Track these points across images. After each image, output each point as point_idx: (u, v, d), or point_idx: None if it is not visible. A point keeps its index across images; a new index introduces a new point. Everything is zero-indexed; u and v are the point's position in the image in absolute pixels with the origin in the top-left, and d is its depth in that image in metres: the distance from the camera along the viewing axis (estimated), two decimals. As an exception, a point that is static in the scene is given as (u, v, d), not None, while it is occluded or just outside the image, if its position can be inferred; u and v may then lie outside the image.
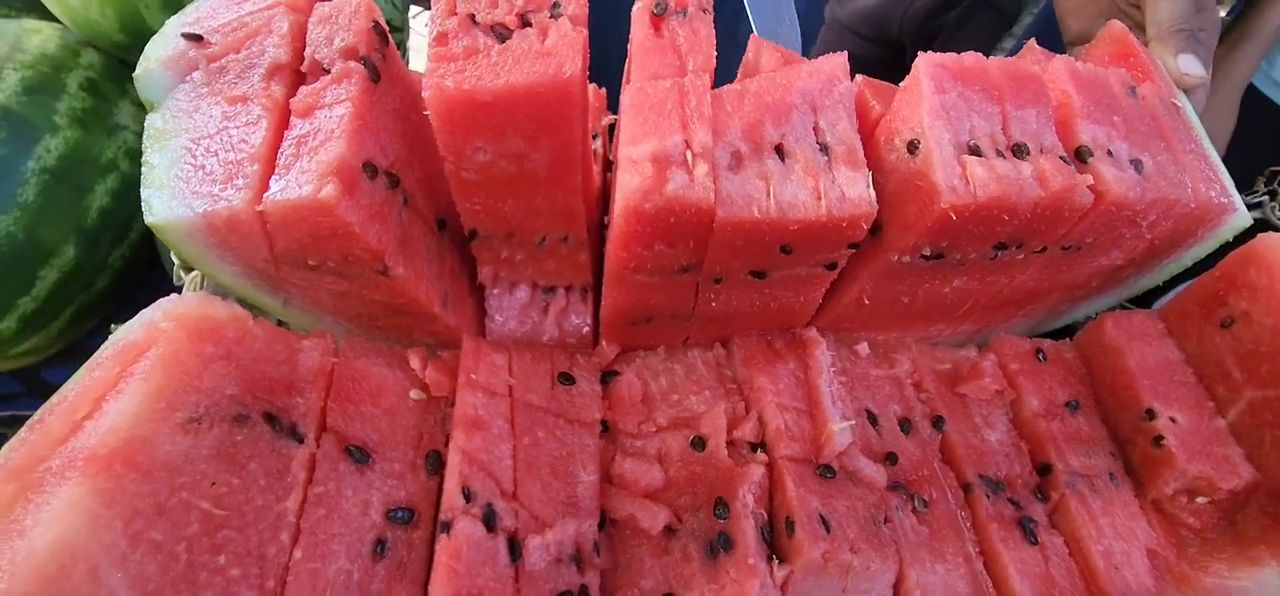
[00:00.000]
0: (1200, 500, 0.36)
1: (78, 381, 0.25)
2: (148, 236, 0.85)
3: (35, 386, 1.00)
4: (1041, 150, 0.32)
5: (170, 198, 0.27)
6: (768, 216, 0.27)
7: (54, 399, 0.25)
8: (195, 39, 0.30)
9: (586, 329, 0.38)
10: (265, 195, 0.26)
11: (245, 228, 0.27)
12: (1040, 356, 0.42)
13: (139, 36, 0.84)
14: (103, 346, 0.27)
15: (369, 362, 0.31)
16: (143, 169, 0.29)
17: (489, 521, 0.28)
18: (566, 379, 0.35)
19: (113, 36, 0.84)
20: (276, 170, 0.26)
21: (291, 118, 0.27)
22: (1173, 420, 0.37)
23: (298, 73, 0.29)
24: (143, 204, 0.28)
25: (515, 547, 0.28)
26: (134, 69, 0.78)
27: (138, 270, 0.89)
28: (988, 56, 0.34)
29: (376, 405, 0.30)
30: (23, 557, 0.19)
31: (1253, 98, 0.78)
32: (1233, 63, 0.86)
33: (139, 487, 0.22)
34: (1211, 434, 0.37)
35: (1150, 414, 0.38)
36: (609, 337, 0.36)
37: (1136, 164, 0.35)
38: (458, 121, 0.27)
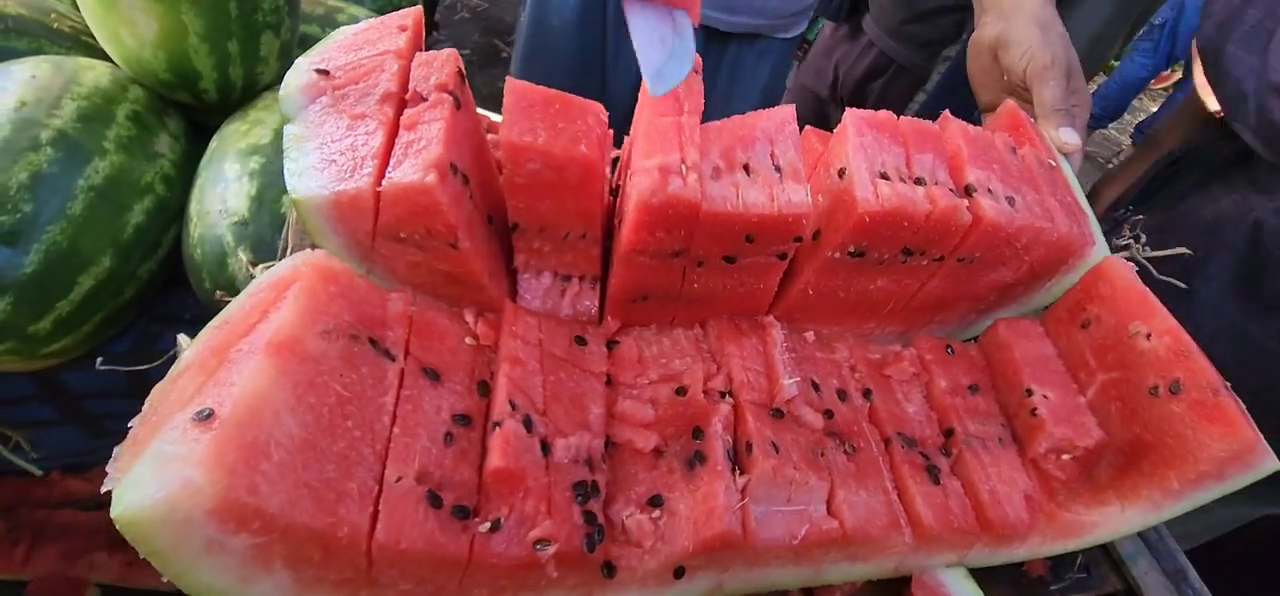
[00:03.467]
0: (1065, 457, 0.48)
1: (243, 303, 0.35)
2: (171, 255, 0.96)
3: (52, 390, 1.08)
4: (935, 182, 0.44)
5: (310, 180, 0.38)
6: (737, 211, 0.39)
7: (227, 312, 0.35)
8: (324, 73, 0.41)
9: (593, 310, 0.50)
10: (384, 180, 0.37)
11: (363, 204, 0.38)
12: (949, 350, 0.54)
13: (183, 76, 0.97)
14: (256, 281, 0.37)
15: (436, 314, 0.42)
16: (285, 160, 0.40)
17: (527, 425, 0.38)
18: (580, 341, 0.46)
19: (160, 75, 0.97)
20: (390, 165, 0.38)
21: (401, 131, 0.39)
22: (1045, 396, 0.49)
23: (402, 100, 0.41)
24: (288, 183, 0.39)
25: (546, 446, 0.38)
26: (175, 104, 0.91)
27: (160, 285, 1.00)
28: (903, 112, 0.47)
29: (442, 343, 0.41)
30: (235, 397, 0.30)
31: None
32: None
33: (298, 367, 0.32)
34: (1073, 407, 0.49)
35: (1029, 392, 0.50)
36: (612, 314, 0.48)
37: (1011, 200, 0.48)
38: (521, 149, 0.39)
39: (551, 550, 0.35)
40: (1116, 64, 3.23)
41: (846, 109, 0.45)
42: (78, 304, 0.87)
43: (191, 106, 1.03)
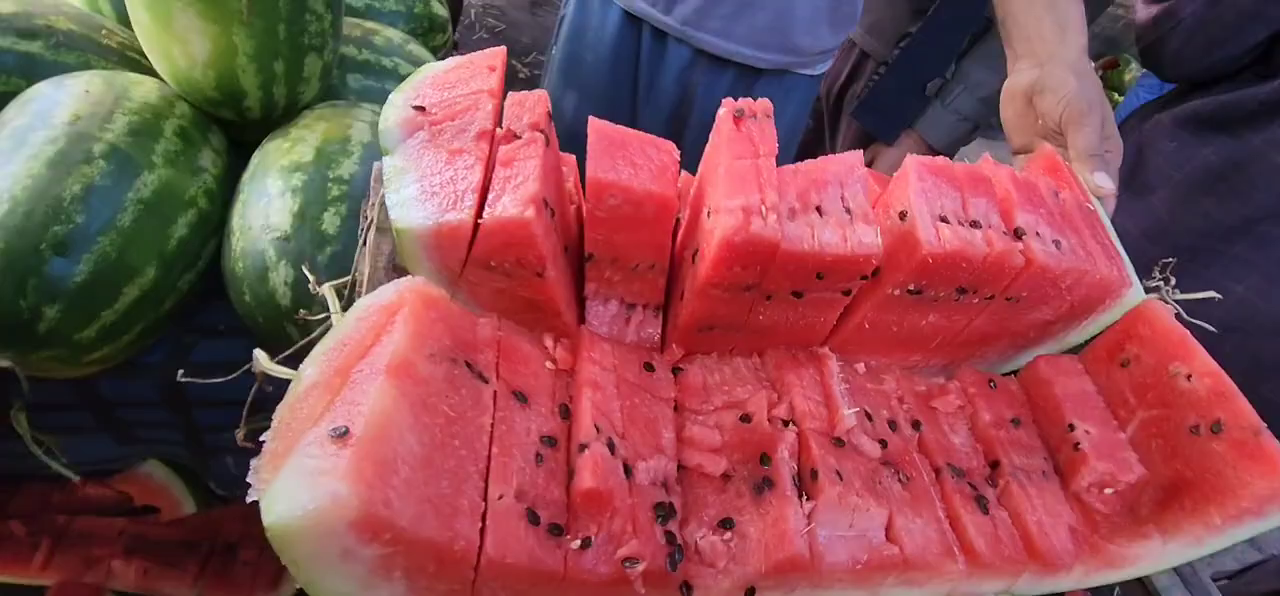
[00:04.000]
0: (1107, 491, 0.50)
1: (354, 325, 0.38)
2: (209, 268, 0.98)
3: (88, 397, 1.10)
4: (989, 225, 0.47)
5: (412, 211, 0.41)
6: (812, 250, 0.42)
7: (341, 334, 0.38)
8: (420, 109, 0.44)
9: (656, 337, 0.52)
10: (485, 213, 0.40)
11: (460, 236, 0.41)
12: (992, 384, 0.57)
13: (230, 94, 1.01)
14: (359, 305, 0.40)
15: (519, 339, 0.44)
16: (387, 193, 0.42)
17: (611, 447, 0.41)
18: (649, 367, 0.49)
19: (207, 93, 1.01)
20: (490, 199, 0.40)
21: (497, 166, 0.42)
22: (1088, 431, 0.52)
23: (495, 136, 0.43)
24: (390, 213, 0.42)
25: (628, 469, 0.41)
26: (217, 120, 0.94)
27: (197, 297, 1.03)
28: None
29: (526, 367, 0.43)
30: (365, 416, 0.32)
31: None
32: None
33: (413, 389, 0.35)
34: (1115, 442, 0.52)
35: (1071, 427, 0.52)
36: (677, 341, 0.50)
37: (1057, 243, 0.51)
38: (604, 186, 0.42)
39: (640, 567, 0.37)
40: (1121, 99, 3.32)
41: (908, 156, 0.48)
42: (121, 313, 0.89)
43: (233, 123, 1.07)
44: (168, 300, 0.95)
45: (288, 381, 0.36)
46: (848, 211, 0.44)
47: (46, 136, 0.84)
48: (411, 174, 0.42)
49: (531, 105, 0.44)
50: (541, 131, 0.43)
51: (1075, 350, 0.62)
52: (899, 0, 1.36)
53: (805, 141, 1.52)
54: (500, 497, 0.36)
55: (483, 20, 2.50)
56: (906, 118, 1.38)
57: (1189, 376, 0.49)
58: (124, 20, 1.12)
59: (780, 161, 0.45)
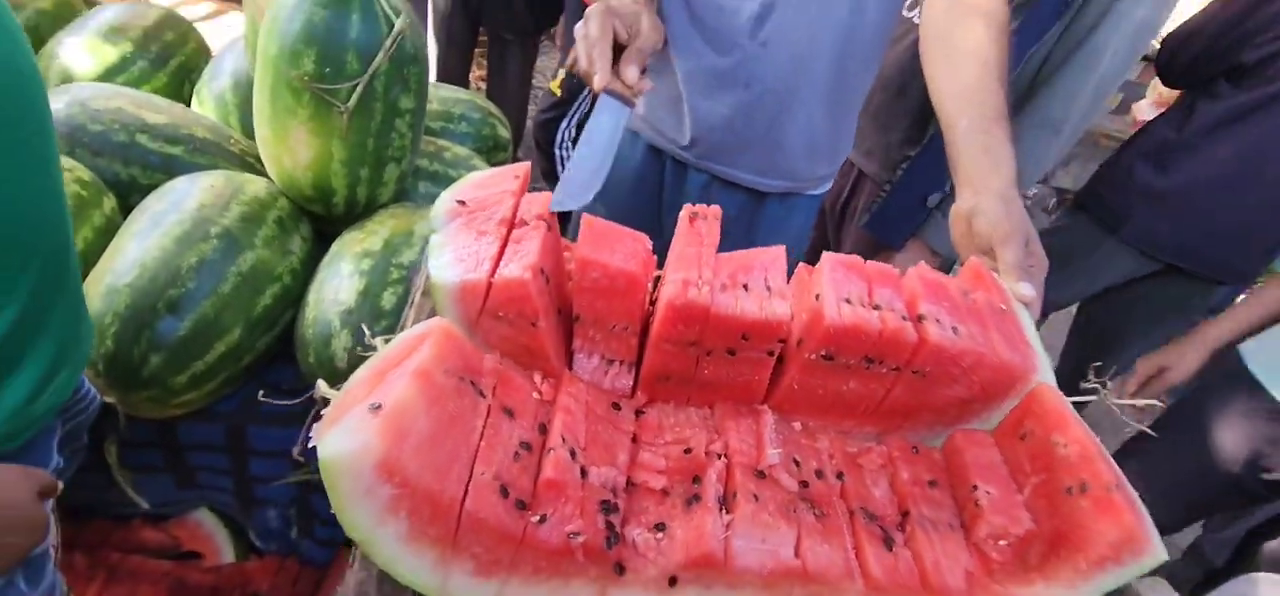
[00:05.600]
0: (1001, 542, 0.60)
1: (395, 345, 0.55)
2: (283, 335, 1.20)
3: (165, 438, 1.31)
4: (889, 308, 0.61)
5: (446, 272, 0.58)
6: (735, 314, 0.57)
7: (385, 350, 0.55)
8: (462, 203, 0.63)
9: (628, 387, 0.67)
10: (495, 274, 0.57)
11: (478, 291, 0.58)
12: (915, 450, 0.68)
13: (322, 192, 1.26)
14: (401, 334, 0.57)
15: (515, 373, 0.60)
16: (430, 260, 0.61)
17: (572, 455, 0.55)
18: (616, 407, 0.63)
19: (304, 191, 1.27)
20: (501, 263, 0.58)
21: (510, 243, 0.59)
22: (988, 492, 0.62)
23: (512, 223, 0.62)
24: (431, 272, 0.59)
25: (583, 472, 0.55)
26: (307, 213, 1.21)
27: (269, 359, 1.25)
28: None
29: (517, 394, 0.59)
30: (392, 399, 0.48)
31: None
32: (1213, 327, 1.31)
33: (429, 389, 0.51)
34: (1011, 502, 0.62)
35: (975, 487, 0.63)
36: (642, 389, 0.65)
37: (955, 328, 0.64)
38: (590, 263, 0.59)
39: (581, 539, 0.51)
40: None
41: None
42: (209, 364, 1.11)
43: (321, 216, 1.32)
44: (246, 357, 1.17)
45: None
46: (768, 289, 0.59)
47: (176, 219, 1.09)
48: (449, 247, 0.60)
49: (540, 203, 0.63)
50: (544, 221, 0.61)
51: (997, 431, 0.73)
52: (892, 131, 1.57)
53: (812, 249, 1.70)
54: (482, 474, 0.51)
55: (539, 140, 2.85)
56: (911, 228, 1.56)
57: (1065, 445, 0.60)
58: (245, 131, 1.42)
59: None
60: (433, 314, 0.64)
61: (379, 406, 0.47)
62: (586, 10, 0.83)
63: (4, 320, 0.60)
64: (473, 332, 0.61)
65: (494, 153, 1.68)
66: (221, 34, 1.81)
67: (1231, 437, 1.38)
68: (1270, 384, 1.36)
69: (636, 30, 0.83)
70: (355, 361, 1.07)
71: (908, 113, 1.55)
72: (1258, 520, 1.59)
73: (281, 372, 1.22)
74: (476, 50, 2.74)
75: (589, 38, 0.80)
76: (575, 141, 2.22)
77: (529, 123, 2.97)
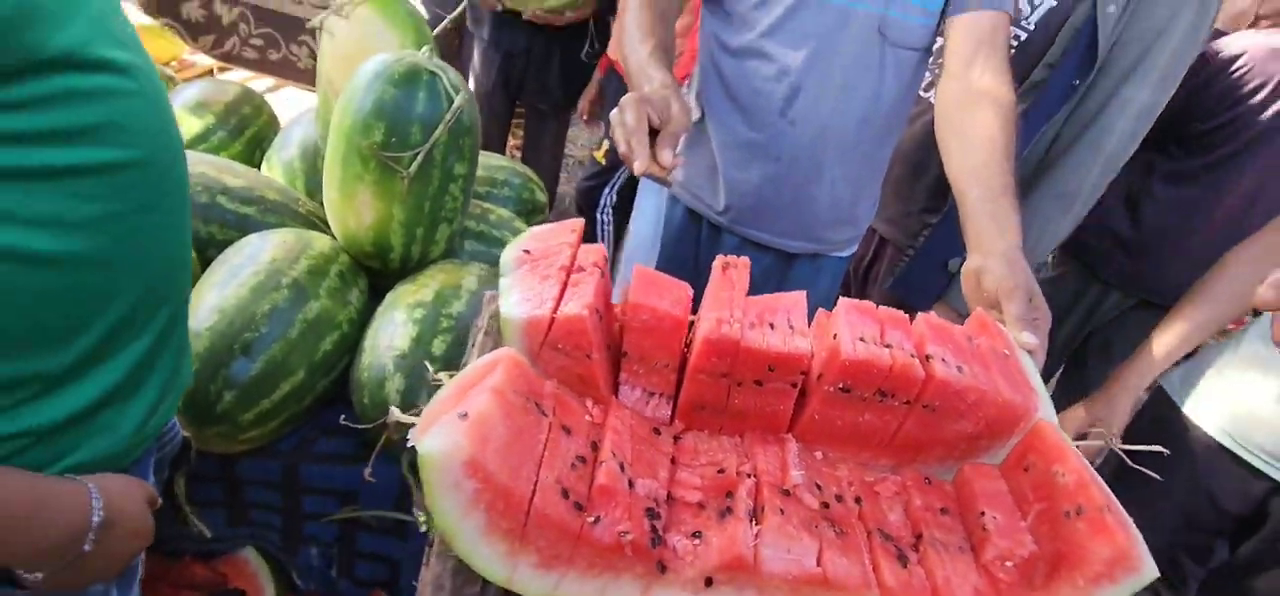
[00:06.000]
0: (1008, 564, 0.67)
1: (470, 370, 0.65)
2: (339, 378, 1.30)
3: (226, 472, 1.41)
4: (899, 347, 0.70)
5: (515, 309, 0.69)
6: (762, 348, 0.66)
7: (464, 373, 0.64)
8: (527, 252, 0.74)
9: (667, 416, 0.76)
10: (557, 311, 0.67)
11: (541, 325, 0.68)
12: (928, 481, 0.75)
13: (380, 249, 1.39)
14: (477, 360, 0.67)
15: (570, 399, 0.70)
16: (500, 300, 0.71)
17: (621, 467, 0.64)
18: (657, 432, 0.72)
19: (365, 247, 1.40)
20: (561, 303, 0.68)
21: (568, 285, 0.70)
22: (995, 518, 0.69)
23: (571, 269, 0.72)
24: (502, 309, 0.70)
25: (631, 483, 0.64)
26: (365, 267, 1.36)
27: (327, 400, 1.36)
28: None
29: (572, 416, 0.68)
30: (476, 409, 0.57)
31: None
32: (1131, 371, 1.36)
33: (503, 403, 0.60)
34: (1016, 527, 0.68)
35: (982, 514, 0.70)
36: (680, 418, 0.74)
37: (960, 367, 0.72)
38: (639, 307, 0.69)
39: (629, 538, 0.59)
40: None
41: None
42: (275, 403, 1.23)
43: (376, 270, 1.45)
44: (307, 398, 1.28)
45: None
46: (791, 327, 0.69)
47: (252, 271, 1.22)
48: (517, 289, 0.71)
49: (594, 253, 0.73)
50: (598, 268, 0.72)
51: (1005, 467, 0.80)
52: (912, 201, 1.68)
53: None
54: (546, 478, 0.59)
55: (581, 204, 3.03)
56: (935, 291, 1.65)
57: (1064, 474, 0.67)
58: (309, 193, 1.57)
59: None
60: (492, 332, 0.75)
61: (465, 414, 0.57)
62: (622, 99, 0.95)
63: (138, 349, 0.71)
64: (535, 362, 0.70)
65: (532, 214, 1.81)
66: (283, 106, 1.99)
67: (1179, 477, 1.44)
68: (1198, 416, 1.44)
69: (668, 115, 0.95)
70: (408, 402, 1.18)
71: (927, 186, 1.67)
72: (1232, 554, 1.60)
73: (335, 415, 1.33)
74: (512, 121, 2.95)
75: (626, 126, 0.91)
76: (615, 206, 2.39)
77: (562, 187, 3.16)
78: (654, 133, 0.93)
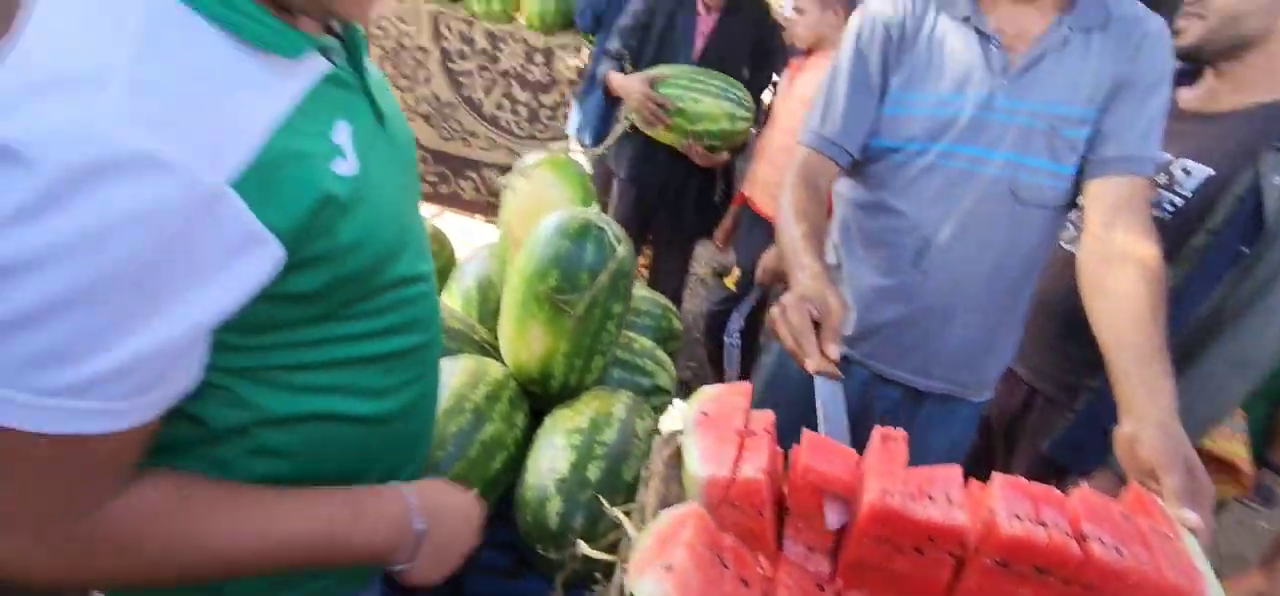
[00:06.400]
0: None
1: (664, 521, 0.77)
2: (502, 496, 1.47)
3: (395, 584, 1.57)
4: (1053, 525, 0.75)
5: (697, 468, 0.81)
6: (924, 519, 0.74)
7: (657, 523, 0.76)
8: (703, 413, 0.87)
9: (826, 572, 0.84)
10: (737, 471, 0.79)
11: (722, 484, 0.79)
12: (1089, 657, 0.78)
13: (544, 377, 1.57)
14: (667, 512, 0.79)
15: (744, 552, 0.80)
16: (685, 454, 0.84)
17: (796, 622, 0.73)
18: (820, 588, 0.80)
19: (531, 374, 1.58)
20: (739, 465, 0.80)
21: (744, 447, 0.81)
22: (1162, 704, 0.71)
23: (744, 432, 0.84)
24: (687, 464, 0.82)
25: (805, 637, 0.72)
26: (527, 391, 1.57)
27: (490, 516, 1.51)
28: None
29: (748, 569, 0.78)
30: (677, 561, 0.69)
31: None
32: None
33: (695, 556, 0.71)
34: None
35: (1149, 698, 0.72)
36: (841, 576, 0.82)
37: (1117, 549, 0.76)
38: (809, 470, 0.80)
39: (809, 690, 0.67)
40: None
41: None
42: None
43: (537, 395, 1.63)
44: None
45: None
46: (949, 500, 0.76)
47: (441, 396, 1.42)
48: (697, 447, 0.83)
49: (764, 418, 0.85)
50: (769, 432, 0.83)
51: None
52: (1060, 348, 1.67)
53: (973, 456, 1.78)
54: (735, 628, 0.69)
55: (709, 327, 3.20)
56: (1099, 458, 1.62)
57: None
58: (483, 322, 1.79)
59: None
60: (667, 478, 0.87)
61: (670, 566, 0.69)
62: (782, 299, 1.07)
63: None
64: (713, 514, 0.82)
65: (668, 341, 1.96)
66: (447, 228, 2.29)
67: None
68: None
69: (826, 309, 1.05)
70: (564, 524, 1.31)
71: (1083, 345, 1.68)
72: None
73: (497, 529, 1.49)
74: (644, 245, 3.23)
75: (793, 327, 1.03)
76: (742, 332, 2.53)
77: (685, 304, 3.36)
78: (816, 325, 1.03)
